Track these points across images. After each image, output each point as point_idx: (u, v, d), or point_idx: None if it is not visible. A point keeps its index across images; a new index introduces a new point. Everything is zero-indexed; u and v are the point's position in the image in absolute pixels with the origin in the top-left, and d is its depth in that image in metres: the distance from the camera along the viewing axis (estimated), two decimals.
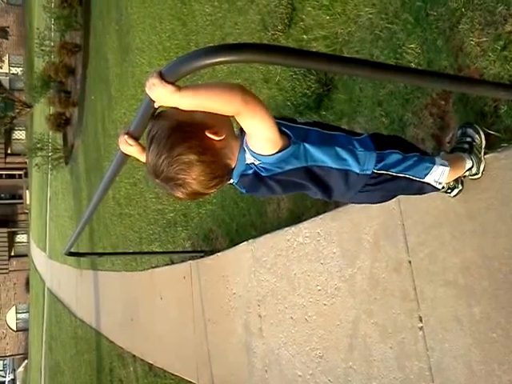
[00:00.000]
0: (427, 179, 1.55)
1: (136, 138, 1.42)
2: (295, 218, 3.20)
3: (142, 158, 1.45)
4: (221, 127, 1.27)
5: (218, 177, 1.30)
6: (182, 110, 1.17)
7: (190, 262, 4.86)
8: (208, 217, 4.70)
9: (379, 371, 2.34)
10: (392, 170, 1.45)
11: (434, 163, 1.54)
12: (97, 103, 10.70)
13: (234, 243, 4.01)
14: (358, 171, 1.39)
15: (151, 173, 1.28)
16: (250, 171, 1.35)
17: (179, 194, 1.30)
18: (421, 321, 2.09)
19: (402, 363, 2.20)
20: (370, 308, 2.38)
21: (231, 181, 1.39)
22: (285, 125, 1.29)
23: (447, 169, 1.58)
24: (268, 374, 3.39)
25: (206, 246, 4.68)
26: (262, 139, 1.25)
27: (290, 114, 3.34)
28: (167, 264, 5.69)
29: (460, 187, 1.87)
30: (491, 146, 1.82)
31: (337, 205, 2.77)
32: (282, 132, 1.26)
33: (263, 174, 1.33)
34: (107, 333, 8.73)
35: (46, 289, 19.68)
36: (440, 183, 1.59)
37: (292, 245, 3.07)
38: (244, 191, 1.44)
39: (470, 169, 1.79)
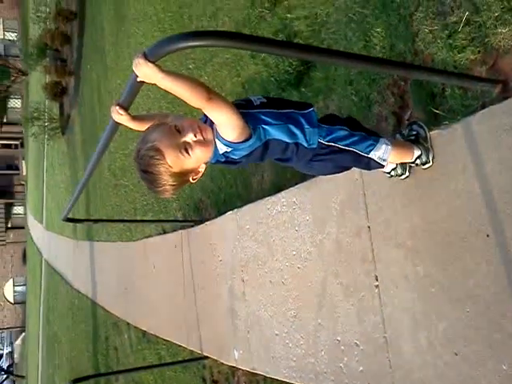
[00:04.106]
0: (371, 155, 1.81)
1: (125, 109, 1.68)
2: (277, 189, 3.43)
3: (131, 125, 1.76)
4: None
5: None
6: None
7: (181, 231, 5.11)
8: (198, 188, 4.93)
9: (343, 326, 2.62)
10: (339, 143, 1.73)
11: (377, 141, 1.80)
12: (93, 73, 10.76)
13: (221, 213, 4.25)
14: (305, 145, 1.67)
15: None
16: (223, 159, 1.64)
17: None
18: (377, 279, 2.35)
19: (361, 318, 2.47)
20: (336, 270, 2.64)
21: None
22: (244, 114, 1.54)
23: (389, 148, 1.83)
24: (250, 335, 3.67)
25: (196, 216, 4.92)
26: (230, 127, 1.51)
27: (274, 89, 3.54)
28: (160, 234, 5.94)
29: (407, 174, 2.12)
30: (436, 124, 2.04)
31: (313, 175, 3.01)
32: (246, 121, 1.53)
33: (235, 158, 1.62)
34: (103, 303, 9.02)
35: (43, 261, 19.88)
36: (384, 160, 1.84)
37: (271, 213, 3.32)
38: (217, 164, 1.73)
39: (419, 156, 2.02)
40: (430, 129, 2.03)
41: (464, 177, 1.90)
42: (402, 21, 2.29)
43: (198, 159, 1.56)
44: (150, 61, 1.31)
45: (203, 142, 1.54)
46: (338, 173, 1.94)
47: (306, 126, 1.65)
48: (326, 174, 1.98)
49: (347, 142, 1.73)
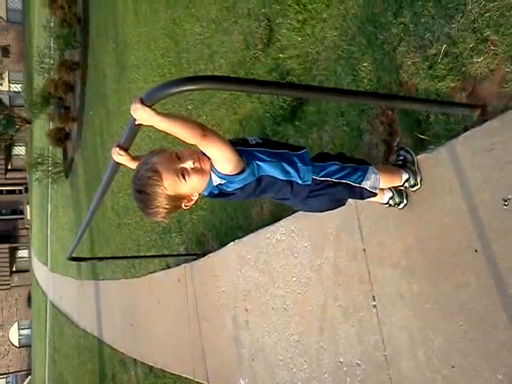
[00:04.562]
0: (363, 185, 1.94)
1: (125, 149, 1.80)
2: (275, 218, 3.54)
3: (131, 165, 1.84)
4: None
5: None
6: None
7: (184, 265, 5.19)
8: (199, 222, 5.04)
9: (344, 347, 2.67)
10: (333, 177, 1.85)
11: (366, 171, 1.93)
12: (95, 118, 11.07)
13: (223, 245, 4.34)
14: (300, 182, 1.78)
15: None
16: (216, 191, 1.73)
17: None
18: (374, 300, 2.43)
19: (361, 338, 2.53)
20: (335, 293, 2.72)
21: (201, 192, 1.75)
22: (239, 150, 1.65)
23: (378, 176, 1.96)
24: (254, 362, 3.71)
25: (198, 249, 5.01)
26: (225, 160, 1.61)
27: (269, 125, 3.70)
28: (163, 269, 6.01)
29: (405, 201, 2.22)
30: (423, 148, 2.18)
31: None
32: (240, 155, 1.64)
33: (228, 190, 1.71)
34: (109, 340, 9.01)
35: (48, 302, 19.83)
36: (375, 188, 1.96)
37: (271, 242, 3.42)
38: (209, 198, 1.82)
39: (407, 180, 2.14)
40: (417, 153, 2.17)
41: (451, 196, 2.02)
42: (386, 55, 2.46)
43: (193, 186, 1.65)
44: (146, 105, 1.42)
45: (200, 171, 1.64)
46: (333, 209, 2.03)
47: (299, 164, 1.76)
48: (321, 211, 2.08)
49: (340, 175, 1.85)
